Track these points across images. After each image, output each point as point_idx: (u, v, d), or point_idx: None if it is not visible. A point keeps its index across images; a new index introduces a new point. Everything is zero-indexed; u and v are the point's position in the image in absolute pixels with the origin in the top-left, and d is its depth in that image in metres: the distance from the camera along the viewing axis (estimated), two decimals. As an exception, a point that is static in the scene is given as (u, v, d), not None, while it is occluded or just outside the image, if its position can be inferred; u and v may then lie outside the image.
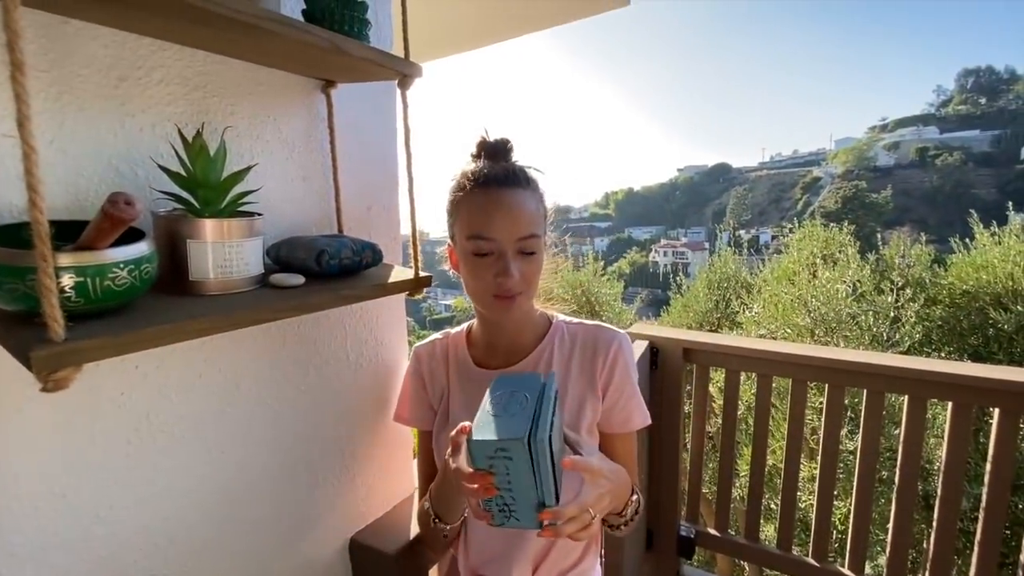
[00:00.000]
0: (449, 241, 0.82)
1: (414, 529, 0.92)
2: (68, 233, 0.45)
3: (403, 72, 0.70)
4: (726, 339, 2.43)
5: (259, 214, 0.62)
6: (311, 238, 0.68)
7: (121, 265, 0.44)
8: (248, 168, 0.60)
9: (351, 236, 0.75)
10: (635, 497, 0.77)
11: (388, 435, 0.96)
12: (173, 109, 0.62)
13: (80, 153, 0.54)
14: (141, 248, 0.46)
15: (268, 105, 0.73)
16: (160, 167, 0.56)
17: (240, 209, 0.60)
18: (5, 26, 0.37)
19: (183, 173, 0.55)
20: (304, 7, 0.65)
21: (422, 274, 0.77)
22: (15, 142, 0.44)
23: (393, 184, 0.95)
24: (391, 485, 0.98)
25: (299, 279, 0.62)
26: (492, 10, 1.67)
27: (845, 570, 2.03)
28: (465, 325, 0.92)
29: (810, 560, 2.11)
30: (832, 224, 4.31)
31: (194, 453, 0.67)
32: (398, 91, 0.73)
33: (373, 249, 0.73)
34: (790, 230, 4.50)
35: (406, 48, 0.72)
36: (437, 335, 0.92)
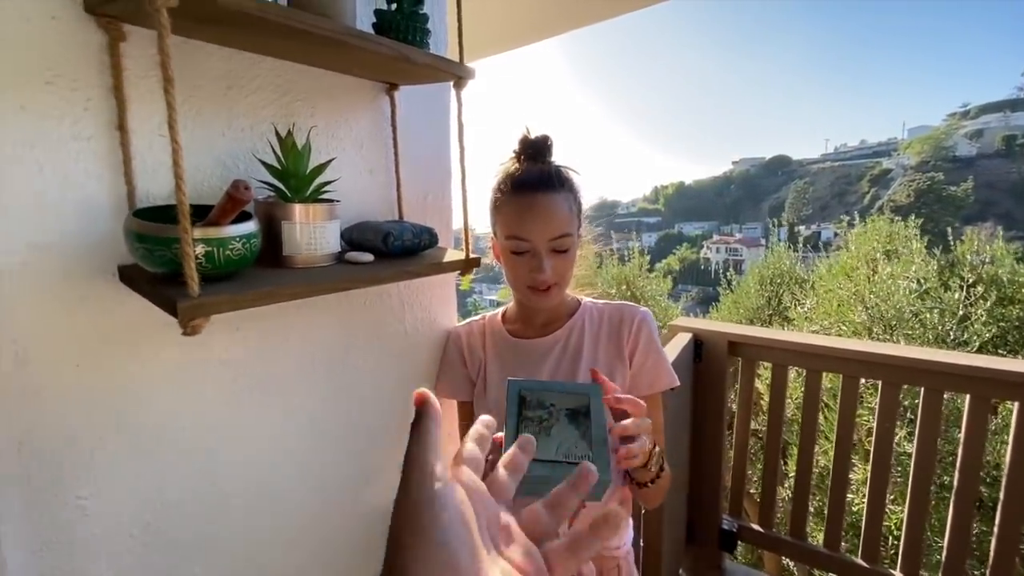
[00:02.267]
0: (492, 236, 0.92)
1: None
2: (195, 214, 0.56)
3: (458, 75, 0.79)
4: (773, 333, 2.40)
5: (337, 201, 0.73)
6: (378, 223, 0.78)
7: (237, 239, 0.55)
8: (329, 161, 0.71)
9: (411, 221, 0.85)
10: (658, 450, 0.83)
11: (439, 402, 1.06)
12: (267, 112, 0.73)
13: (198, 150, 0.66)
14: (250, 226, 0.57)
15: (341, 107, 0.84)
16: (259, 160, 0.67)
17: (321, 197, 0.71)
18: (159, 49, 0.48)
19: (277, 166, 0.66)
20: (375, 21, 0.75)
21: (472, 256, 0.85)
22: (157, 140, 0.56)
23: (447, 176, 1.04)
24: (443, 451, 1.08)
25: (369, 257, 0.72)
26: (544, 6, 1.74)
27: (897, 573, 1.98)
28: (501, 309, 1.01)
29: (860, 561, 2.07)
30: (899, 219, 4.09)
31: (278, 404, 0.78)
32: (453, 91, 0.83)
33: (430, 233, 0.82)
34: (850, 224, 4.30)
35: (461, 53, 0.80)
36: (474, 318, 1.02)
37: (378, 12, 0.74)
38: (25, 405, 0.55)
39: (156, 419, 0.65)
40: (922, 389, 1.90)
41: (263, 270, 0.64)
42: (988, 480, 2.89)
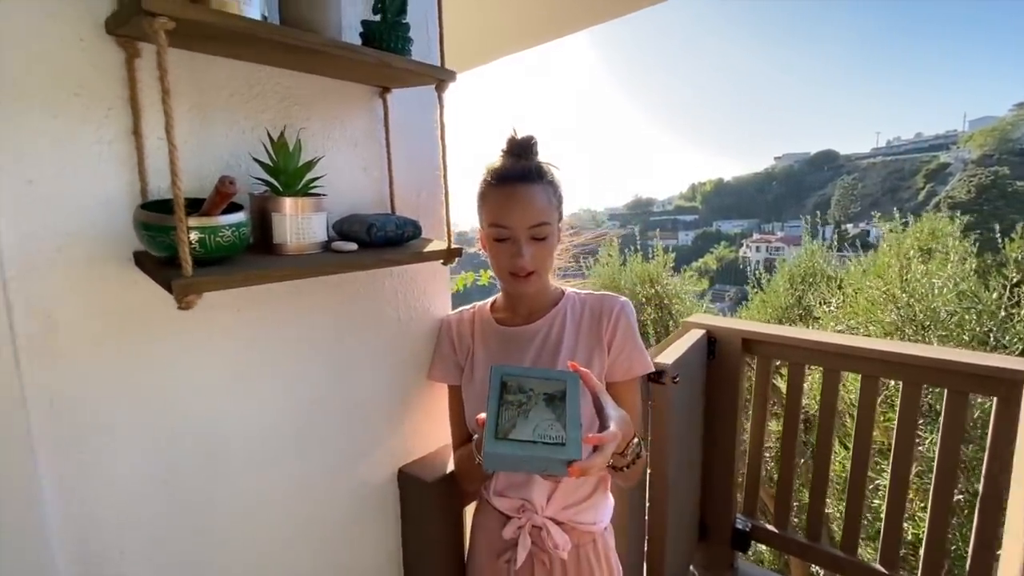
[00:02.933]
0: (479, 227, 0.98)
1: (451, 466, 1.09)
2: (194, 206, 0.65)
3: (439, 78, 0.86)
4: (789, 331, 2.37)
5: (324, 194, 0.81)
6: (365, 215, 0.86)
7: (227, 227, 0.63)
8: (315, 160, 0.79)
9: (398, 215, 0.92)
10: (635, 440, 0.87)
11: (430, 387, 1.13)
12: (265, 116, 0.82)
13: (202, 150, 0.76)
14: (239, 216, 0.66)
15: (337, 109, 0.92)
16: (255, 159, 0.76)
17: (311, 191, 0.79)
18: (158, 64, 0.57)
19: (270, 163, 0.74)
20: (361, 30, 0.83)
21: (453, 246, 0.92)
22: (164, 143, 0.65)
23: (438, 173, 1.11)
24: (433, 429, 1.16)
25: (353, 246, 0.80)
26: (546, 9, 1.79)
27: (918, 580, 1.93)
28: (491, 299, 1.08)
29: (877, 566, 2.03)
30: (959, 215, 3.90)
31: (278, 379, 0.87)
32: (449, 92, 0.90)
33: (414, 225, 0.89)
34: (904, 223, 4.13)
35: (442, 58, 0.87)
36: (466, 307, 1.09)
37: (364, 23, 0.82)
38: (55, 366, 0.65)
39: (166, 386, 0.75)
40: (945, 390, 1.84)
41: (255, 256, 0.72)
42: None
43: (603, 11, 1.80)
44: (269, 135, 0.75)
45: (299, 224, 0.74)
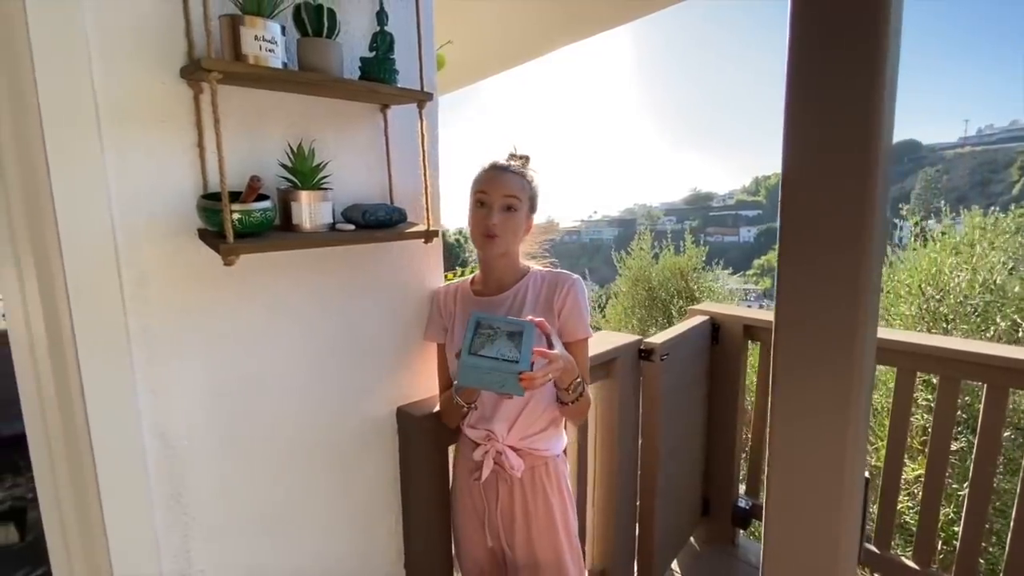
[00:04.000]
0: (469, 208, 1.24)
1: (437, 408, 1.35)
2: (236, 196, 0.94)
3: (419, 99, 1.12)
4: (788, 318, 2.45)
5: (330, 188, 1.09)
6: (363, 204, 1.14)
7: (257, 211, 0.92)
8: (324, 163, 1.07)
9: (388, 204, 1.19)
10: (578, 379, 1.13)
11: (424, 345, 1.40)
12: (288, 130, 1.11)
13: (243, 156, 1.05)
14: (266, 204, 0.94)
15: (346, 124, 1.20)
16: (280, 164, 1.05)
17: (321, 186, 1.07)
18: (211, 102, 0.86)
19: (289, 165, 1.03)
20: (360, 65, 1.10)
21: (432, 228, 1.18)
22: (215, 155, 0.94)
23: (434, 172, 1.37)
24: (427, 379, 1.43)
25: (350, 227, 1.07)
26: (551, 16, 2.00)
27: (909, 561, 1.98)
28: (471, 275, 1.34)
29: (911, 564, 1.97)
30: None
31: (300, 326, 1.17)
32: (446, 108, 1.16)
33: (400, 212, 1.16)
34: (995, 219, 3.87)
35: (421, 81, 1.13)
36: (451, 282, 1.35)
37: (362, 59, 1.09)
38: (144, 309, 0.97)
39: (219, 325, 1.06)
40: (937, 377, 1.90)
41: (279, 232, 1.02)
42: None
43: (639, 7, 1.99)
44: (290, 146, 1.03)
45: (311, 210, 1.03)
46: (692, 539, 2.53)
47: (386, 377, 1.35)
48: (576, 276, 1.25)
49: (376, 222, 1.10)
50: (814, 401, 0.53)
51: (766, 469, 0.58)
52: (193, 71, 0.89)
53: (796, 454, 0.56)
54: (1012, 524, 1.72)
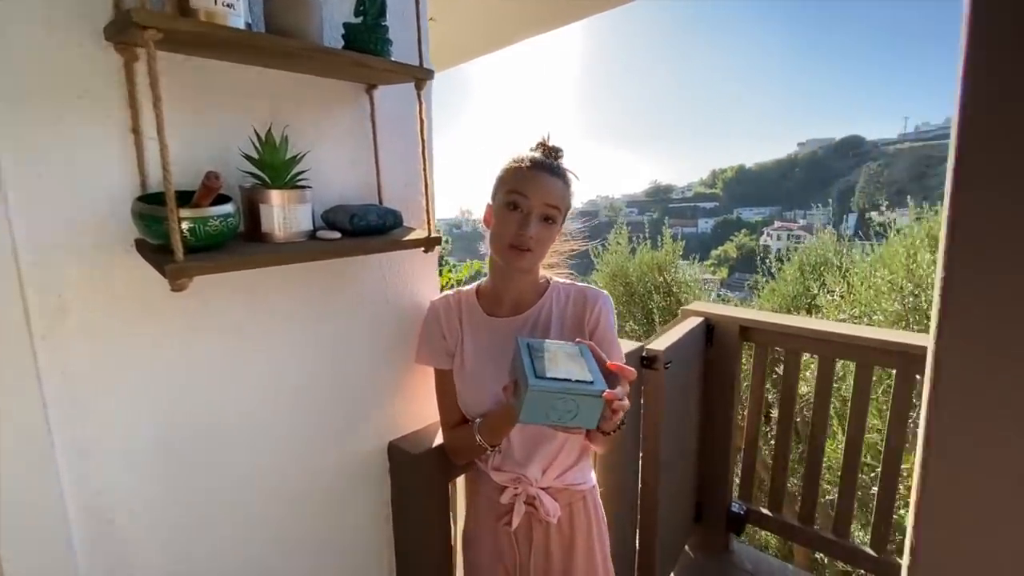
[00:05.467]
0: (489, 202, 1.05)
1: (437, 441, 1.16)
2: (186, 198, 0.72)
3: (417, 76, 0.91)
4: (786, 319, 2.40)
5: (309, 187, 0.87)
6: (349, 206, 0.93)
7: (215, 217, 0.70)
8: (301, 155, 0.85)
9: (381, 205, 0.98)
10: None
11: (417, 369, 1.20)
12: (255, 112, 0.88)
13: (195, 145, 0.82)
14: (227, 208, 0.72)
15: (325, 105, 0.98)
16: (243, 155, 0.82)
17: (297, 184, 0.85)
18: (148, 71, 0.63)
19: (257, 158, 0.81)
20: (343, 32, 0.88)
21: (433, 235, 0.98)
22: (169, 142, 0.72)
23: (430, 169, 1.17)
24: (421, 407, 1.23)
25: (336, 235, 0.86)
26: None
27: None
28: (474, 284, 1.14)
29: (868, 550, 2.07)
30: None
31: (271, 357, 0.95)
32: (440, 87, 0.95)
33: (395, 214, 0.95)
34: (935, 211, 4.04)
35: (420, 57, 0.92)
36: (449, 292, 1.15)
37: (346, 25, 0.87)
38: (65, 342, 0.73)
39: (166, 361, 0.83)
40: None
41: (245, 244, 0.79)
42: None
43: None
44: (256, 132, 0.81)
45: (285, 214, 0.81)
46: (686, 547, 2.45)
47: (374, 409, 1.14)
48: (604, 292, 1.07)
49: (367, 228, 0.89)
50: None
51: (911, 519, 0.46)
52: (123, 29, 0.66)
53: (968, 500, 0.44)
54: None
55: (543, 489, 1.05)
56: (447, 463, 1.16)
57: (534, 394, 0.74)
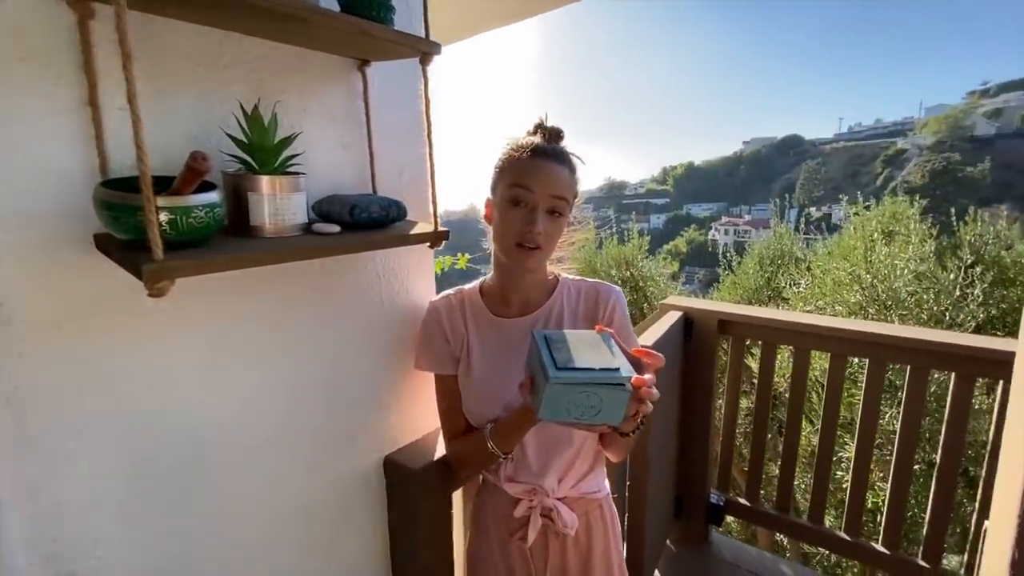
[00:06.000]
0: (489, 196, 0.95)
1: (438, 453, 1.07)
2: (160, 185, 0.60)
3: (423, 50, 0.81)
4: (762, 312, 2.43)
5: (303, 173, 0.76)
6: (347, 196, 0.82)
7: (200, 207, 0.58)
8: (294, 135, 0.74)
9: (381, 195, 0.88)
10: None
11: (414, 375, 1.10)
12: (237, 87, 0.76)
13: (168, 123, 0.70)
14: (213, 196, 0.61)
15: (313, 82, 0.86)
16: (227, 135, 0.70)
17: (288, 170, 0.74)
18: (117, 27, 0.51)
19: (244, 139, 0.69)
20: (339, -2, 0.77)
21: (440, 229, 0.89)
22: (126, 114, 0.60)
23: (422, 152, 1.07)
24: (418, 417, 1.13)
25: (335, 228, 0.75)
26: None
27: (879, 545, 2.04)
28: (477, 281, 1.05)
29: (841, 534, 2.12)
30: (917, 199, 4.06)
31: (254, 368, 0.83)
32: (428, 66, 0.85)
33: (398, 206, 0.85)
34: (866, 207, 4.27)
35: (426, 28, 0.82)
36: (450, 291, 1.05)
37: (342, -11, 0.77)
38: (9, 362, 0.60)
39: (135, 378, 0.70)
40: (908, 367, 1.92)
41: (231, 239, 0.68)
42: (973, 457, 2.93)
43: None
44: (243, 108, 0.69)
45: (277, 205, 0.70)
46: (669, 542, 2.46)
47: (369, 420, 1.03)
48: (617, 288, 1.01)
49: (369, 221, 0.79)
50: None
51: (1016, 527, 0.42)
52: (77, -24, 0.54)
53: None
54: (932, 491, 1.86)
55: (559, 500, 0.99)
56: (449, 477, 1.07)
57: (555, 387, 0.67)
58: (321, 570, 0.98)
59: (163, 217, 0.55)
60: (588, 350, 0.74)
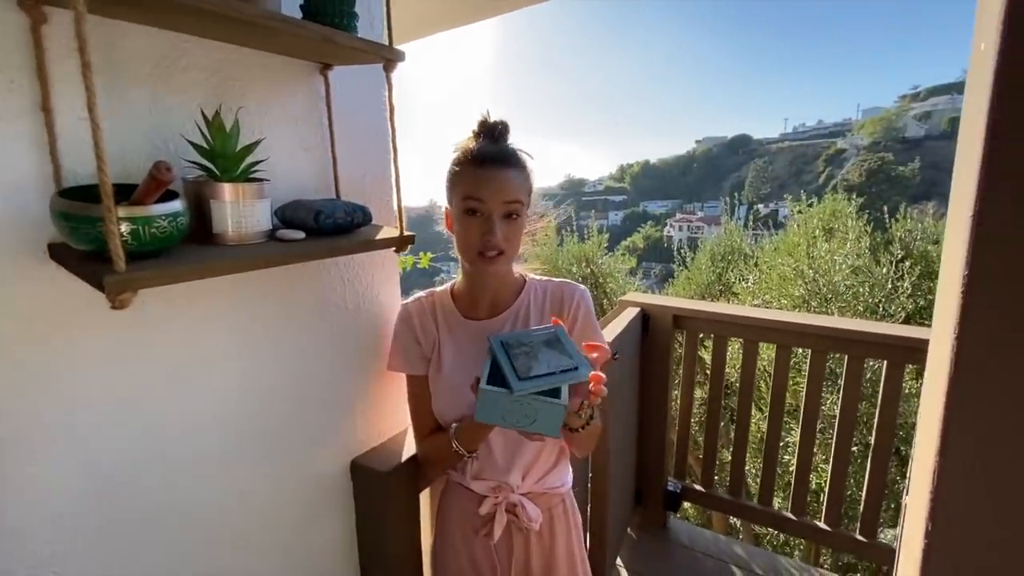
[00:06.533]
0: (447, 206, 0.97)
1: (406, 455, 1.08)
2: (119, 193, 0.58)
3: (387, 57, 0.82)
4: (714, 307, 2.54)
5: (267, 180, 0.76)
6: (311, 201, 0.82)
7: (163, 217, 0.58)
8: (258, 142, 0.73)
9: (346, 200, 0.88)
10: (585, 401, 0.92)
11: (381, 378, 1.11)
12: (195, 92, 0.75)
13: (124, 129, 0.68)
14: (176, 205, 0.60)
15: (274, 86, 0.86)
16: (188, 141, 0.69)
17: (251, 176, 0.74)
18: (76, 34, 0.50)
19: (205, 146, 0.68)
20: (302, 3, 0.77)
21: (406, 233, 0.90)
22: (81, 120, 0.58)
23: (385, 156, 1.07)
24: (385, 419, 1.14)
25: (300, 234, 0.76)
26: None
27: (821, 523, 2.18)
28: (448, 284, 1.07)
29: (788, 514, 2.26)
30: (854, 197, 4.34)
31: (220, 375, 0.82)
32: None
33: (364, 211, 0.86)
34: (809, 204, 4.52)
35: (390, 36, 0.83)
36: (422, 293, 1.07)
37: (305, -6, 0.76)
38: (-43, 377, 0.57)
39: (94, 392, 0.68)
40: (846, 356, 2.07)
41: (193, 247, 0.67)
42: (904, 438, 3.17)
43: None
44: (204, 115, 0.68)
45: (240, 212, 0.70)
46: (629, 530, 2.55)
47: (335, 424, 1.03)
48: (582, 287, 1.05)
49: (335, 227, 0.79)
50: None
51: (929, 498, 0.49)
52: (28, -21, 0.52)
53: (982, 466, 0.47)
54: (868, 470, 2.02)
55: (524, 495, 1.02)
56: (417, 478, 1.09)
57: (483, 394, 0.73)
58: (289, 574, 0.98)
59: (124, 228, 0.55)
60: (545, 351, 0.79)
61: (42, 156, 0.61)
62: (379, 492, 1.05)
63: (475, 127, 0.95)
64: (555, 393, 0.74)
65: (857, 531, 2.07)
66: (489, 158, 0.90)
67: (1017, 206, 0.42)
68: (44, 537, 0.65)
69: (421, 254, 2.92)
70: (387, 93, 0.86)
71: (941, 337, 0.51)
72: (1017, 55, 0.38)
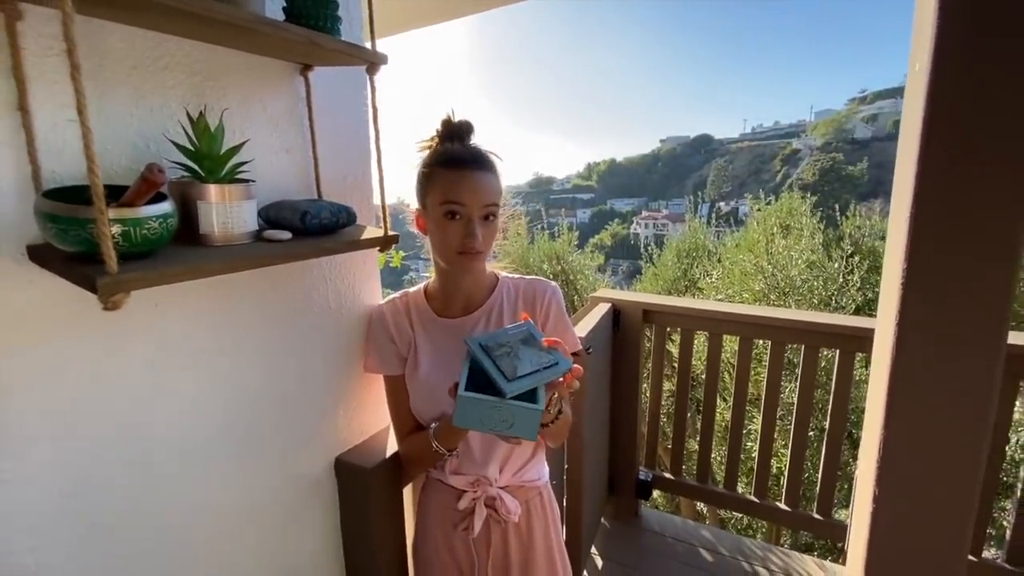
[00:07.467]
0: (418, 207, 0.98)
1: (389, 451, 1.09)
2: (114, 193, 0.58)
3: (370, 60, 0.83)
4: (681, 301, 2.64)
5: (253, 181, 0.76)
6: (296, 202, 0.83)
7: (153, 218, 0.58)
8: (243, 143, 0.74)
9: (330, 200, 0.89)
10: (555, 395, 0.93)
11: (363, 375, 1.12)
12: (176, 92, 0.74)
13: (104, 130, 0.67)
14: (166, 206, 0.60)
15: (255, 87, 0.86)
16: (173, 143, 0.69)
17: (237, 177, 0.74)
18: (65, 36, 0.50)
19: (191, 147, 0.68)
20: (284, 5, 0.78)
21: (390, 233, 0.91)
22: (61, 121, 0.58)
23: (366, 156, 1.08)
24: (368, 417, 1.15)
25: (287, 235, 0.76)
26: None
27: (782, 504, 2.31)
28: (421, 285, 1.09)
29: (751, 497, 2.38)
30: (808, 195, 4.55)
31: (202, 377, 0.82)
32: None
33: (348, 211, 0.87)
34: (767, 202, 4.72)
35: (372, 39, 0.85)
36: (395, 295, 1.09)
37: (288, -4, 0.77)
38: (-64, 382, 0.56)
39: (76, 395, 0.67)
40: (803, 347, 2.19)
41: (181, 248, 0.67)
42: (856, 422, 3.37)
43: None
44: (189, 116, 0.68)
45: (227, 213, 0.70)
46: (603, 520, 2.62)
47: (319, 422, 1.04)
48: (553, 283, 1.08)
49: (320, 227, 0.80)
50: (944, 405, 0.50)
51: (876, 467, 0.55)
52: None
53: (919, 453, 0.53)
54: (823, 453, 2.15)
55: (502, 488, 1.05)
56: (400, 473, 1.11)
57: (462, 400, 0.75)
58: (276, 572, 0.98)
59: (115, 229, 0.55)
60: (524, 348, 0.81)
61: (19, 156, 0.60)
62: (363, 488, 1.06)
63: (439, 127, 0.97)
64: (532, 396, 0.77)
65: (815, 510, 2.20)
66: (466, 160, 0.92)
67: (944, 206, 0.47)
68: (21, 539, 0.64)
69: (394, 252, 2.91)
70: (370, 95, 0.87)
71: (884, 326, 0.56)
72: (945, 78, 0.43)
